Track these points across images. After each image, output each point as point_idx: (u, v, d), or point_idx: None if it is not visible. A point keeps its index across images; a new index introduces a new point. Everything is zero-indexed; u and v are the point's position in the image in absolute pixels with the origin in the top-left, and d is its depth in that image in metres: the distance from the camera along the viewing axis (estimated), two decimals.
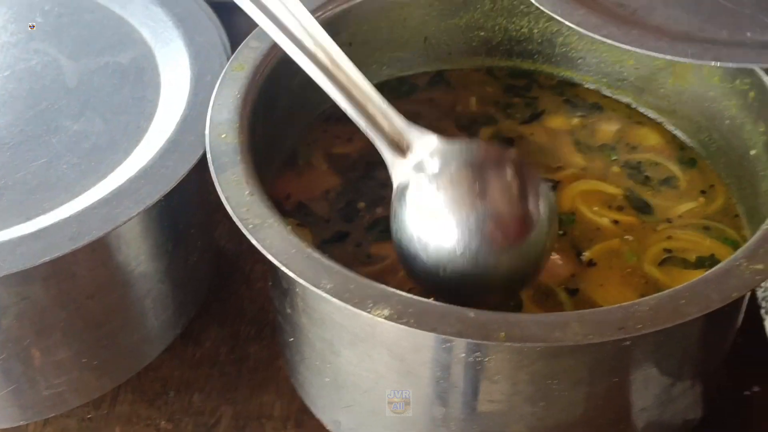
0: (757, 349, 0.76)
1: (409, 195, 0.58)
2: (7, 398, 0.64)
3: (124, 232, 0.62)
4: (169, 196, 0.62)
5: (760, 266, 0.54)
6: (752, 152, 0.67)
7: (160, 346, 0.71)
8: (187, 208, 0.67)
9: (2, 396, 0.64)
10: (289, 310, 0.63)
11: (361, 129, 0.61)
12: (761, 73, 0.66)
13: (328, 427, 0.66)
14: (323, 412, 0.66)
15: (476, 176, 0.57)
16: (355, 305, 0.53)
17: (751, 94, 0.67)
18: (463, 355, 0.55)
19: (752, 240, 0.55)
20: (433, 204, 0.57)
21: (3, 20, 0.71)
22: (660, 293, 0.53)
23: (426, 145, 0.60)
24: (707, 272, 0.54)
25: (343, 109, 0.61)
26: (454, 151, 0.59)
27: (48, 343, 0.63)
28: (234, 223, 0.63)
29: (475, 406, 0.58)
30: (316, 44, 0.61)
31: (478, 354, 0.55)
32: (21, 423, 0.68)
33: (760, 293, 1.11)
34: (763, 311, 0.99)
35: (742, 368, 0.73)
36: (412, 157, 0.60)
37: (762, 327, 0.78)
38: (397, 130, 0.60)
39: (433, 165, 0.58)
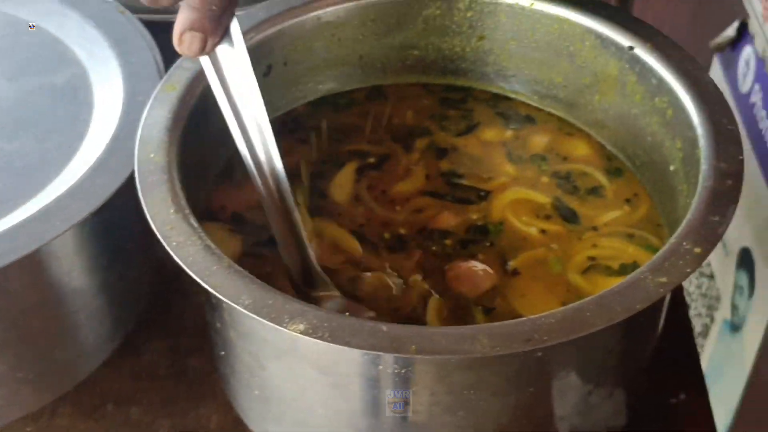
0: (683, 355, 0.78)
1: None
2: None
3: (55, 248, 0.63)
4: (101, 213, 0.63)
5: (663, 279, 0.56)
6: (671, 167, 0.69)
7: (98, 360, 0.72)
8: (122, 224, 0.69)
9: None
10: (218, 325, 0.65)
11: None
12: (678, 93, 0.68)
13: None
14: (255, 424, 0.68)
15: None
16: (272, 320, 0.54)
17: (669, 112, 0.69)
18: (381, 367, 0.57)
19: (658, 254, 0.57)
20: None
21: None
22: (567, 306, 0.55)
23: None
24: (614, 285, 0.56)
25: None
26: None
27: None
28: None
29: (397, 417, 0.60)
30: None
31: (396, 366, 0.57)
32: None
33: (690, 301, 1.13)
34: (691, 312, 1.01)
35: (667, 375, 0.75)
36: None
37: (690, 338, 0.80)
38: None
39: None
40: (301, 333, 0.54)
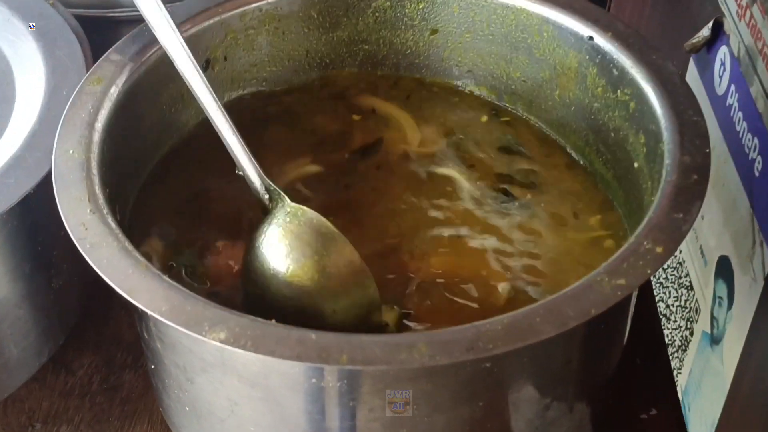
0: (655, 368, 0.73)
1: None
2: None
3: None
4: (18, 215, 0.59)
5: (621, 281, 0.51)
6: (635, 165, 0.64)
7: (24, 375, 0.67)
8: (43, 228, 0.64)
9: None
10: (146, 335, 0.60)
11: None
12: (641, 84, 0.63)
13: None
14: None
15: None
16: (189, 328, 0.49)
17: (632, 104, 0.64)
18: (314, 379, 0.52)
19: (616, 254, 0.53)
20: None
21: None
22: (515, 311, 0.50)
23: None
24: (566, 288, 0.51)
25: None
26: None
27: None
28: None
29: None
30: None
31: (327, 378, 0.52)
32: None
33: (669, 314, 1.09)
34: (670, 325, 0.97)
35: (639, 390, 0.71)
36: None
37: (662, 349, 0.75)
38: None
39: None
40: (221, 342, 0.49)
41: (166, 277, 0.52)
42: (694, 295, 1.11)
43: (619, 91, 0.65)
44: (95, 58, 0.68)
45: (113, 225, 0.55)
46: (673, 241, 0.53)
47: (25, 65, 0.66)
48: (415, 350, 0.48)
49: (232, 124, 0.61)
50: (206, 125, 0.62)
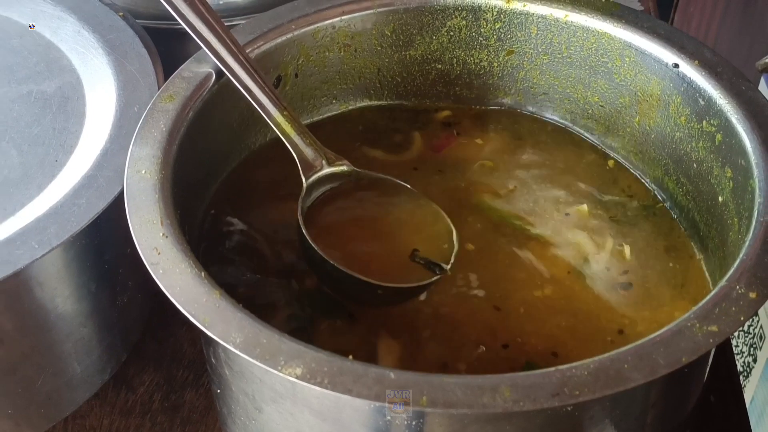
0: (731, 409, 0.71)
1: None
2: None
3: (35, 272, 0.57)
4: (87, 235, 0.58)
5: (714, 328, 0.49)
6: (720, 198, 0.62)
7: (86, 393, 0.66)
8: (111, 246, 0.63)
9: None
10: (213, 360, 0.59)
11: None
12: (729, 116, 0.61)
13: None
14: None
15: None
16: (265, 362, 0.48)
17: (718, 136, 0.62)
18: (389, 417, 0.50)
19: (707, 298, 0.50)
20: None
21: None
22: (602, 355, 0.48)
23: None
24: (655, 333, 0.49)
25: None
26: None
27: None
28: None
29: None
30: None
31: (405, 417, 0.50)
32: None
33: (741, 339, 1.06)
34: (755, 347, 0.94)
35: (714, 428, 0.69)
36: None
37: (737, 387, 0.73)
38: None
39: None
40: (297, 378, 0.47)
41: (240, 307, 0.51)
42: (758, 321, 1.08)
43: (704, 122, 0.63)
44: (165, 71, 0.67)
45: (187, 250, 0.53)
46: (767, 286, 0.51)
47: (95, 79, 0.65)
48: (498, 394, 0.46)
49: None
50: (274, 144, 0.62)
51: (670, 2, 1.33)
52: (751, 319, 1.09)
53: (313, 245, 0.59)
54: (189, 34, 0.74)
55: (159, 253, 0.53)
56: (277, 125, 0.62)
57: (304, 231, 0.60)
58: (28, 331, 0.60)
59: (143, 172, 0.57)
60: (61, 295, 0.60)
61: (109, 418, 0.69)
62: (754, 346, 1.08)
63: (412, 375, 0.47)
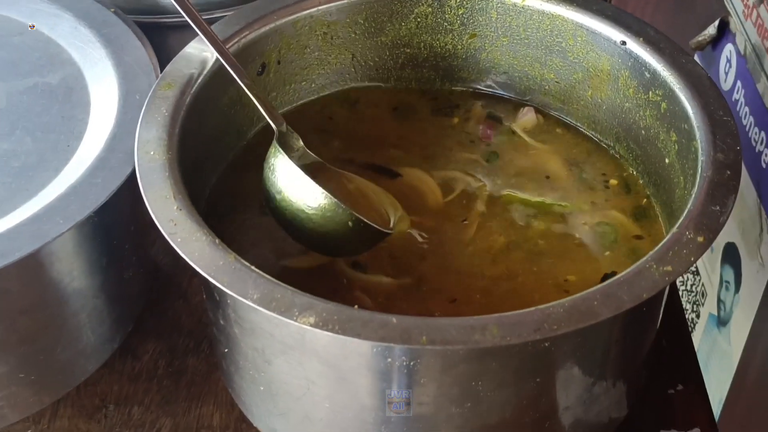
0: (680, 350, 0.79)
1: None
2: None
3: (55, 248, 0.63)
4: (100, 213, 0.63)
5: (668, 268, 0.56)
6: (666, 160, 0.70)
7: (98, 361, 0.72)
8: (120, 224, 0.69)
9: None
10: (222, 321, 0.65)
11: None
12: (673, 86, 0.68)
13: None
14: (260, 420, 0.68)
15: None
16: (281, 314, 0.54)
17: (663, 104, 0.70)
18: (390, 359, 0.57)
19: (662, 243, 0.58)
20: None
21: None
22: (574, 295, 0.55)
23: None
24: (619, 275, 0.56)
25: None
26: None
27: None
28: None
29: (403, 409, 0.60)
30: None
31: (404, 358, 0.57)
32: None
33: (684, 297, 1.14)
34: (697, 304, 1.02)
35: (666, 368, 0.76)
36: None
37: (685, 331, 0.81)
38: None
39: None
40: (311, 326, 0.54)
41: (253, 268, 0.57)
42: (700, 280, 1.17)
43: (650, 92, 0.71)
44: (161, 62, 0.73)
45: (200, 221, 0.59)
46: (712, 231, 0.58)
47: (96, 71, 0.70)
48: (487, 332, 0.53)
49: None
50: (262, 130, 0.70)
51: None
52: (693, 278, 1.18)
53: (313, 183, 0.64)
54: (172, 27, 0.80)
55: (175, 224, 0.59)
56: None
57: (295, 169, 0.65)
58: (49, 302, 0.65)
59: (152, 153, 0.63)
60: (78, 269, 0.66)
61: (118, 384, 0.75)
62: (697, 303, 1.16)
63: (411, 318, 0.54)
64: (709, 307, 1.13)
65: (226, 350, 0.67)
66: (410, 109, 0.80)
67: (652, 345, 0.70)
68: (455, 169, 0.75)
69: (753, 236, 1.02)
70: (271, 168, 0.66)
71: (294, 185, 0.65)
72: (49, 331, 0.66)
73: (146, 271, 0.76)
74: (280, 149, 0.65)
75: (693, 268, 1.18)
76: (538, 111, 0.79)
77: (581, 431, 0.66)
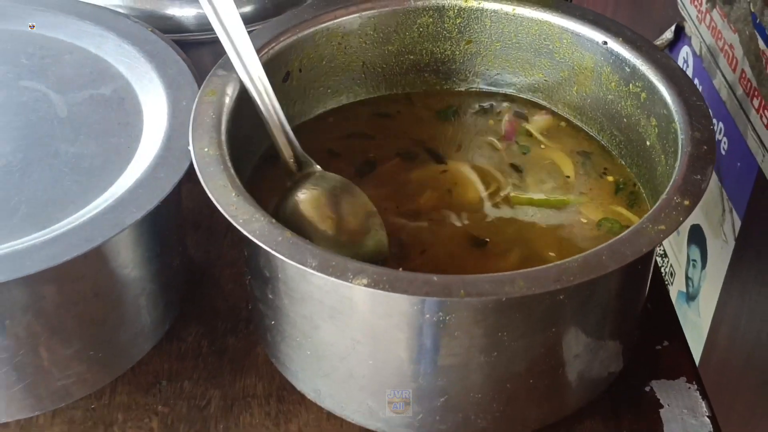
0: (664, 313, 0.89)
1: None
2: (23, 391, 0.73)
3: (123, 238, 0.71)
4: (157, 207, 0.72)
5: (662, 227, 0.67)
6: (647, 143, 0.80)
7: (152, 342, 0.80)
8: (168, 218, 0.77)
9: (19, 389, 0.73)
10: (271, 296, 0.73)
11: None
12: (650, 77, 0.79)
13: (309, 396, 0.77)
14: (304, 384, 0.76)
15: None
16: (338, 277, 0.63)
17: (643, 95, 0.80)
18: (428, 315, 0.66)
19: (655, 207, 0.68)
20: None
21: None
22: (585, 252, 0.65)
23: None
24: (621, 234, 0.67)
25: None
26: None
27: (60, 338, 0.72)
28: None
29: (439, 361, 0.69)
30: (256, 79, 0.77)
31: (440, 313, 0.66)
32: (36, 413, 0.76)
33: (663, 269, 1.25)
34: (667, 283, 1.13)
35: (653, 328, 0.86)
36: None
37: (667, 297, 0.91)
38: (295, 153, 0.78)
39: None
40: (365, 286, 0.63)
41: (308, 242, 0.66)
42: (668, 261, 1.28)
43: (631, 85, 0.81)
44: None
45: (256, 205, 0.68)
46: (696, 195, 0.69)
47: (144, 83, 0.79)
48: (515, 284, 0.63)
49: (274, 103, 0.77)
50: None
51: None
52: (661, 261, 1.29)
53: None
54: (196, 43, 0.89)
55: (235, 208, 0.68)
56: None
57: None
58: (115, 286, 0.74)
59: (206, 149, 0.72)
60: (139, 257, 0.74)
61: (168, 363, 0.83)
62: (667, 282, 1.27)
63: (450, 277, 0.63)
64: (678, 285, 1.24)
65: (272, 322, 0.75)
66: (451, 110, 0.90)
67: (641, 307, 0.80)
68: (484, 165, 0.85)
69: (716, 217, 1.13)
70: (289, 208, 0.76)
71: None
72: (115, 313, 0.75)
73: (186, 262, 0.85)
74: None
75: (661, 251, 1.29)
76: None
77: (587, 382, 0.76)
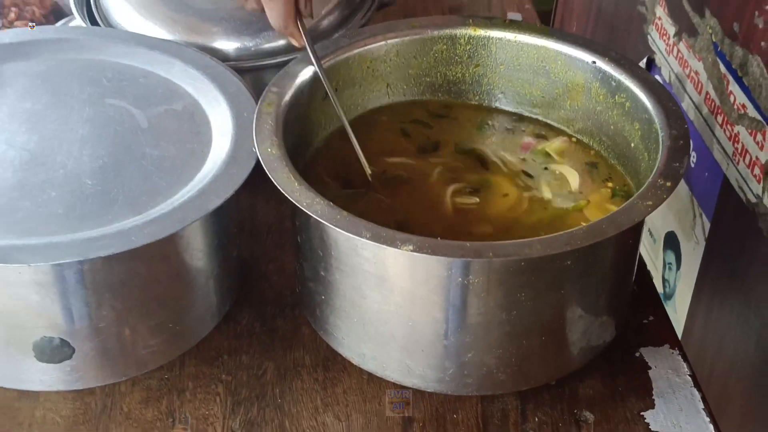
0: (648, 295, 1.04)
1: None
2: (112, 358, 0.86)
3: (198, 226, 0.85)
4: (226, 201, 0.86)
5: (649, 202, 0.82)
6: (632, 144, 0.96)
7: (215, 321, 0.94)
8: (230, 215, 0.92)
9: (109, 357, 0.86)
10: (323, 273, 0.87)
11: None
12: (633, 89, 0.95)
13: (354, 361, 0.90)
14: (349, 349, 0.90)
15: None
16: (388, 245, 0.78)
17: (627, 104, 0.96)
18: (461, 278, 0.81)
19: (643, 187, 0.83)
20: None
21: (79, 86, 0.94)
22: (588, 223, 0.80)
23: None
24: (617, 209, 0.82)
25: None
26: None
27: (147, 311, 0.86)
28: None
29: (467, 319, 0.83)
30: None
31: (470, 276, 0.80)
32: (120, 380, 0.89)
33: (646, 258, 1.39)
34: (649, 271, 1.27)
35: (640, 306, 1.01)
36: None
37: (650, 282, 1.06)
38: None
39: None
40: (411, 251, 0.77)
41: (362, 219, 0.80)
42: (645, 267, 1.43)
43: (616, 96, 0.97)
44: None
45: (315, 192, 0.83)
46: (676, 178, 0.84)
47: (209, 99, 0.94)
48: (533, 247, 0.78)
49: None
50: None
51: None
52: None
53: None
54: (245, 70, 1.04)
55: (299, 195, 0.82)
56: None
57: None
58: (192, 268, 0.88)
59: (269, 150, 0.86)
60: (210, 245, 0.88)
61: (227, 341, 0.96)
62: None
63: (480, 243, 0.78)
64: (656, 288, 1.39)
65: (323, 297, 0.89)
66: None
67: (631, 284, 0.95)
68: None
69: (688, 222, 1.29)
70: None
71: None
72: (190, 292, 0.89)
73: (240, 255, 0.99)
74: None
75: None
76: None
77: (588, 342, 0.90)
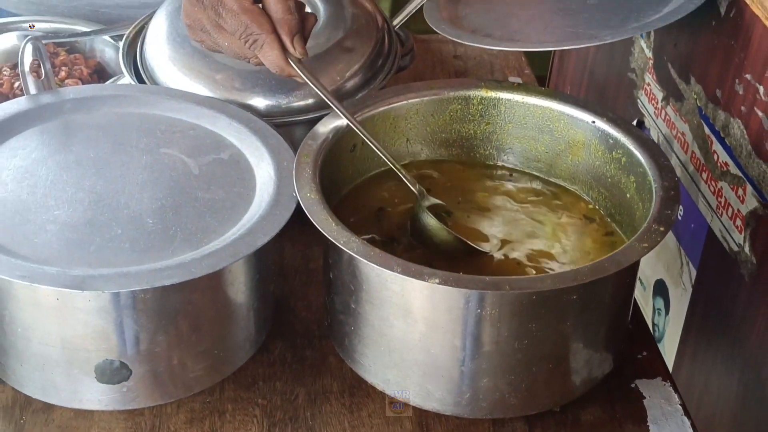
0: (642, 331, 1.14)
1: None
2: (162, 380, 0.96)
3: (245, 260, 0.96)
4: (269, 240, 0.96)
5: (645, 244, 0.93)
6: (628, 195, 1.07)
7: (253, 349, 1.04)
8: (269, 253, 1.02)
9: (163, 379, 0.96)
10: (353, 306, 0.98)
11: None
12: (629, 146, 1.06)
13: (379, 387, 1.00)
14: (375, 376, 1.00)
15: None
16: (417, 278, 0.89)
17: (623, 159, 1.07)
18: (479, 310, 0.91)
19: (639, 232, 0.94)
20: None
21: (136, 137, 1.05)
22: (592, 262, 0.92)
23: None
24: (616, 250, 0.93)
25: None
26: None
27: (197, 337, 0.96)
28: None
29: (483, 347, 0.94)
30: None
31: (487, 308, 0.91)
32: (170, 401, 0.99)
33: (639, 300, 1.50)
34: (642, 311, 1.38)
35: (634, 342, 1.12)
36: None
37: (644, 322, 1.17)
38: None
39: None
40: (437, 283, 0.88)
41: (393, 256, 0.91)
42: (639, 308, 1.54)
43: (614, 152, 1.08)
44: None
45: (352, 232, 0.93)
46: (668, 224, 0.95)
47: (252, 150, 1.05)
48: (545, 282, 0.89)
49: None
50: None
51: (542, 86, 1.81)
52: None
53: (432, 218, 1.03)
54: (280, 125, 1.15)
55: (337, 234, 0.93)
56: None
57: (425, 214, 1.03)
58: (236, 300, 0.98)
59: (308, 195, 0.97)
60: (252, 278, 0.99)
61: (261, 369, 1.06)
62: None
63: (498, 278, 0.89)
64: None
65: (352, 328, 1.00)
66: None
67: (627, 321, 1.06)
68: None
69: (676, 270, 1.40)
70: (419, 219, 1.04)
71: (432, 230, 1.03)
72: (233, 322, 0.99)
73: (274, 291, 1.09)
74: (424, 209, 1.04)
75: None
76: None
77: (589, 372, 1.00)
